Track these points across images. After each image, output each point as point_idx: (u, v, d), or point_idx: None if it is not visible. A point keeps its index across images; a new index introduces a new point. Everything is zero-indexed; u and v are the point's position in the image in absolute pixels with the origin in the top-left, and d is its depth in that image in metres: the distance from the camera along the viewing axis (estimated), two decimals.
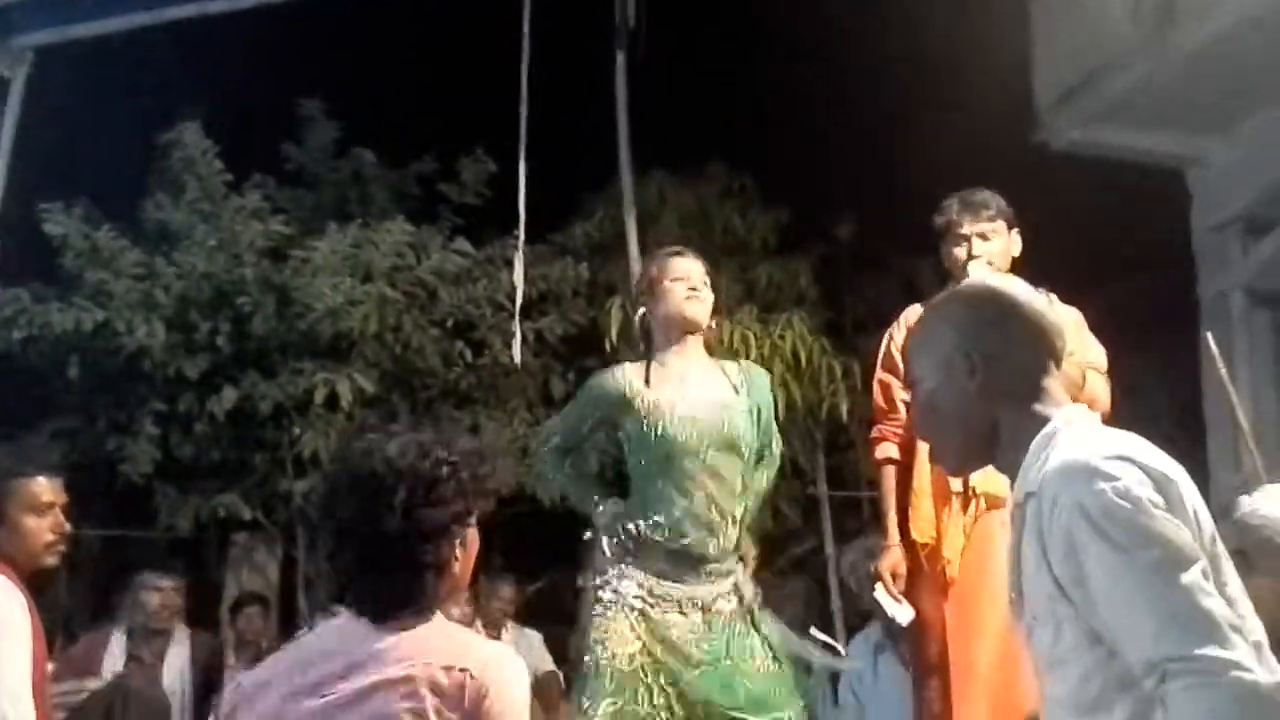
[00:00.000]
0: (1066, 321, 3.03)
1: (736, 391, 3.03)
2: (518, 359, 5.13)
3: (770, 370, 5.86)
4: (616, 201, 6.21)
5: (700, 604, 2.89)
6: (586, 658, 2.86)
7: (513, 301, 5.00)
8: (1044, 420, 1.61)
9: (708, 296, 3.06)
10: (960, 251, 3.09)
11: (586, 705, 2.79)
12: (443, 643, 1.73)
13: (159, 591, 4.64)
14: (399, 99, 7.14)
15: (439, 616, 1.77)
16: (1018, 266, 3.15)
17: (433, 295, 6.33)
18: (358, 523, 1.73)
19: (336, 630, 1.77)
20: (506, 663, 1.74)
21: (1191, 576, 1.44)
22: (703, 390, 3.00)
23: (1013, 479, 1.64)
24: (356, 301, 5.98)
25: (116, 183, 6.39)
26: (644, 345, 3.10)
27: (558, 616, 5.36)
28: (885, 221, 6.92)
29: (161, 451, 6.03)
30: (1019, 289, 1.78)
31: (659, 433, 2.93)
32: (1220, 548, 1.54)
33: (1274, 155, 4.60)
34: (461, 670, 1.68)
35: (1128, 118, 4.88)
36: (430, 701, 1.66)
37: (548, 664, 5.44)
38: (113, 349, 5.95)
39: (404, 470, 1.73)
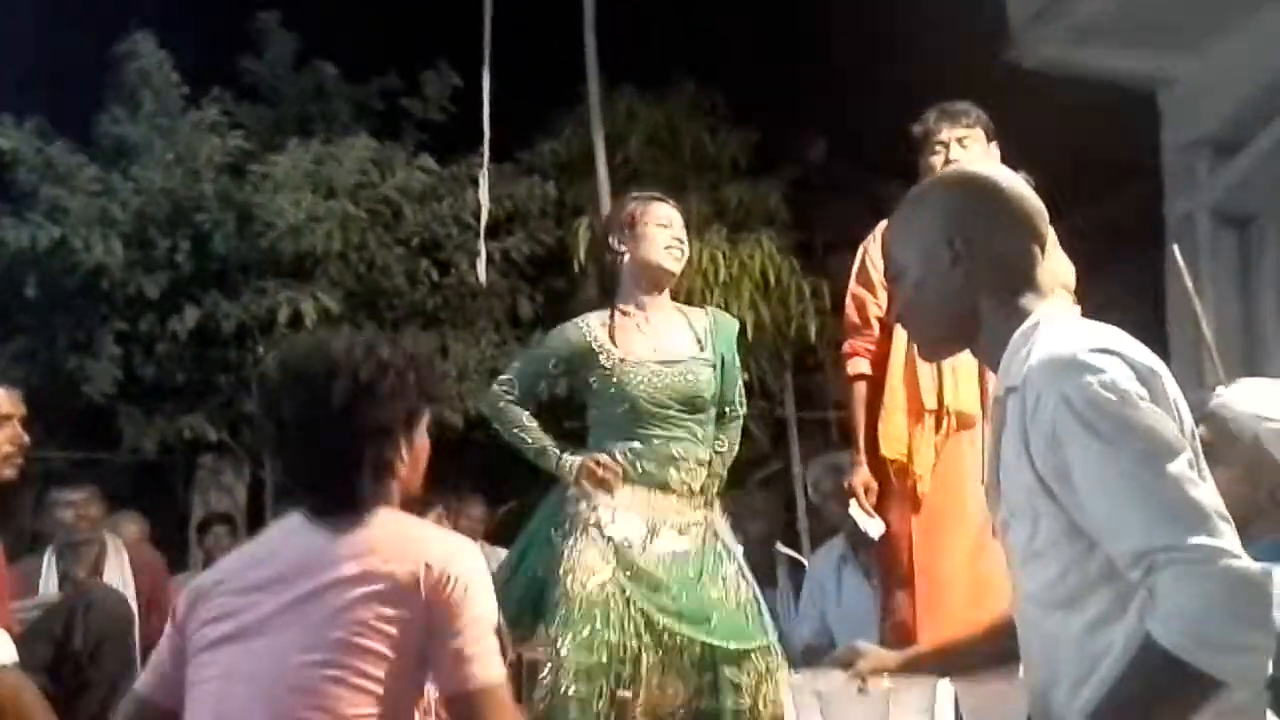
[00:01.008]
0: None
1: (701, 345, 3.03)
2: (483, 278, 5.14)
3: (738, 291, 5.98)
4: (584, 119, 6.20)
5: (671, 531, 2.92)
6: (556, 587, 2.86)
7: (478, 220, 5.01)
8: (1025, 313, 1.61)
9: (686, 250, 3.06)
10: (936, 160, 3.05)
11: (555, 634, 2.81)
12: (396, 537, 1.69)
13: (71, 506, 4.55)
14: (359, 10, 7.05)
15: (390, 513, 1.74)
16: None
17: (397, 213, 6.32)
18: (298, 420, 1.71)
19: (288, 530, 1.75)
20: (465, 553, 1.69)
21: (1178, 467, 1.45)
22: (667, 343, 3.00)
23: (992, 368, 1.65)
24: (319, 218, 5.96)
25: (70, 97, 6.31)
26: (608, 289, 3.06)
27: None
28: (856, 143, 6.94)
29: (124, 372, 6.06)
30: (1003, 173, 1.76)
31: (622, 388, 2.93)
32: (1199, 444, 1.56)
33: (1244, 76, 4.65)
34: (415, 563, 1.64)
35: (1100, 37, 4.90)
36: (387, 596, 1.62)
37: None
38: (70, 267, 5.93)
39: (346, 367, 1.71)
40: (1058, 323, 1.60)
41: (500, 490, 6.01)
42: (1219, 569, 1.38)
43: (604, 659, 2.79)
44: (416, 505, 1.85)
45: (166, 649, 1.75)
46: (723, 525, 3.02)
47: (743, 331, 6.18)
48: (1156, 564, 1.40)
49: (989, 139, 3.12)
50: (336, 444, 1.70)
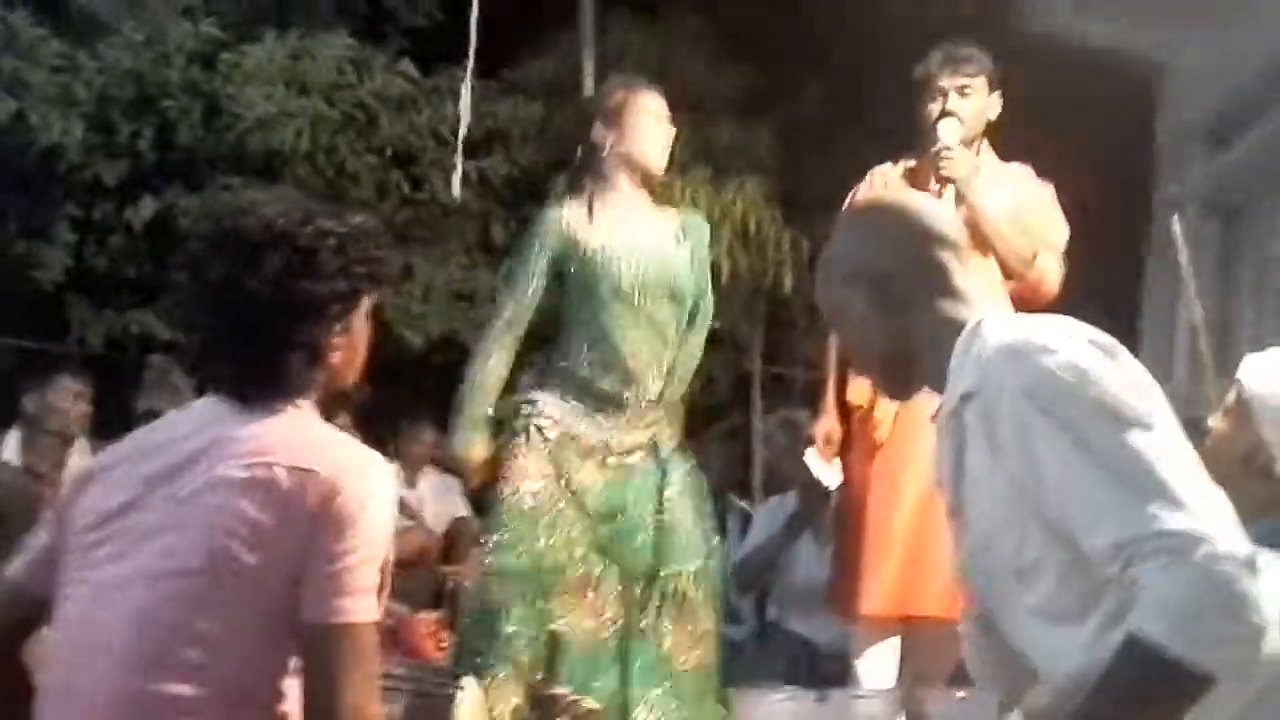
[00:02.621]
0: (1033, 202, 3.07)
1: (678, 240, 3.06)
2: (456, 193, 5.10)
3: (717, 235, 5.97)
4: (574, 41, 6.17)
5: (612, 451, 2.96)
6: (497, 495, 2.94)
7: (456, 135, 4.98)
8: (960, 323, 1.57)
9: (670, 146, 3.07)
10: (934, 107, 3.03)
11: (486, 541, 2.91)
12: (297, 440, 1.56)
13: (81, 399, 4.51)
14: None
15: (300, 415, 1.61)
16: (993, 131, 3.15)
17: (372, 120, 6.28)
18: (222, 287, 1.58)
19: (191, 415, 1.63)
20: (368, 468, 1.55)
21: (1150, 443, 1.40)
22: (646, 236, 3.01)
23: (940, 390, 1.59)
24: (289, 114, 5.92)
25: None
26: (588, 175, 3.03)
27: None
28: (853, 98, 6.93)
29: (75, 260, 6.03)
30: (884, 197, 1.81)
31: (597, 275, 2.94)
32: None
33: (1244, 64, 4.72)
34: (307, 470, 1.50)
35: (1103, 11, 4.97)
36: (271, 505, 1.49)
37: (461, 510, 5.63)
38: (26, 143, 5.85)
39: (281, 233, 1.59)
40: (1001, 319, 1.58)
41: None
42: (1200, 557, 1.33)
43: (532, 567, 2.85)
44: (347, 403, 1.73)
45: (45, 536, 1.66)
46: (668, 439, 3.04)
47: (716, 278, 6.23)
48: (1135, 556, 1.36)
49: (991, 88, 3.08)
50: (263, 315, 1.57)
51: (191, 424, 1.61)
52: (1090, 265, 3.31)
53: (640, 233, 3.00)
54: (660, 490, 2.98)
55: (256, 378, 1.59)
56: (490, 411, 3.00)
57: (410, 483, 5.50)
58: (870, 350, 1.67)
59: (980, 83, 3.06)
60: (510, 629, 2.85)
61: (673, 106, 3.15)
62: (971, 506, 1.57)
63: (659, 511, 2.97)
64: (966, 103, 3.03)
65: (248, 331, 1.58)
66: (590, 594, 2.91)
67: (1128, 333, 5.06)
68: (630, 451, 2.98)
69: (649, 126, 2.99)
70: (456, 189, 5.10)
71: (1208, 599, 1.33)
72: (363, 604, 1.49)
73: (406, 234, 6.45)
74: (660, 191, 3.22)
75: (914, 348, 1.62)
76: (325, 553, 1.48)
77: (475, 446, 2.97)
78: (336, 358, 1.63)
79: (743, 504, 4.98)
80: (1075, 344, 1.46)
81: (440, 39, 6.28)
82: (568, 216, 3.00)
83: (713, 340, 6.87)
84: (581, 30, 5.79)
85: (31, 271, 5.91)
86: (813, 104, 7.48)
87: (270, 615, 1.49)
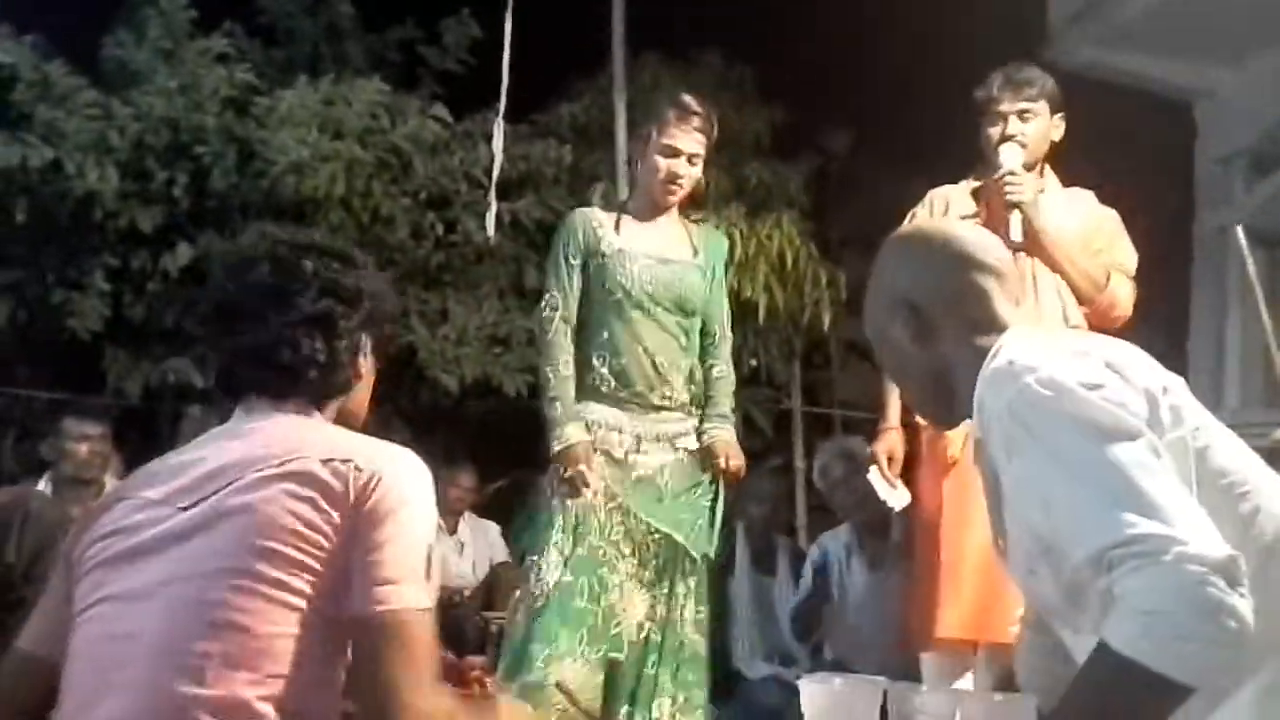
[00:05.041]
0: (1100, 226, 3.09)
1: (695, 252, 3.31)
2: (491, 232, 5.24)
3: (754, 271, 6.12)
4: (604, 85, 6.32)
5: (652, 444, 3.21)
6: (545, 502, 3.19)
7: (489, 177, 5.13)
8: (987, 350, 1.61)
9: (690, 177, 3.26)
10: (995, 131, 3.06)
11: (543, 542, 3.14)
12: (328, 436, 1.58)
13: (87, 440, 4.51)
14: None
15: (324, 418, 1.65)
16: (1055, 152, 3.15)
17: (406, 164, 6.42)
18: (243, 298, 1.64)
19: (214, 434, 1.65)
20: (405, 462, 1.55)
21: (1128, 454, 1.41)
22: (665, 246, 3.27)
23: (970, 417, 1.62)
24: (324, 159, 6.05)
25: (74, 16, 6.40)
26: (628, 187, 3.40)
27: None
28: (883, 138, 7.05)
29: (112, 310, 6.15)
30: (930, 224, 1.86)
31: (615, 280, 3.19)
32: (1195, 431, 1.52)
33: None
34: (345, 461, 1.50)
35: (1140, 42, 5.06)
36: (309, 498, 1.48)
37: (503, 555, 5.71)
38: (62, 192, 6.01)
39: (306, 265, 1.66)
40: (1016, 342, 1.60)
41: (491, 462, 6.14)
42: (1171, 558, 1.32)
43: (586, 564, 3.11)
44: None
45: (52, 588, 1.62)
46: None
47: (754, 314, 6.34)
48: (1110, 563, 1.36)
49: (1053, 111, 3.09)
50: (280, 327, 1.61)
51: (216, 441, 1.62)
52: (1136, 294, 3.39)
53: (659, 241, 3.26)
54: (697, 479, 3.25)
55: (275, 391, 1.62)
56: (568, 395, 3.20)
57: (450, 529, 5.58)
58: (912, 378, 1.74)
59: (1042, 105, 3.07)
60: (549, 650, 3.06)
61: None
62: (1011, 529, 1.60)
63: (693, 498, 3.24)
64: (1029, 126, 3.05)
65: (260, 345, 1.62)
66: (632, 580, 3.16)
67: (1175, 360, 5.11)
68: (678, 438, 3.22)
69: (663, 163, 3.22)
70: (491, 228, 5.23)
71: (1176, 602, 1.31)
72: (411, 591, 1.46)
73: (440, 278, 6.59)
74: (696, 223, 3.42)
75: (954, 375, 1.65)
76: (368, 543, 1.47)
77: (576, 440, 3.15)
78: (356, 385, 1.70)
79: (791, 542, 5.03)
80: (1057, 361, 1.50)
81: (472, 83, 6.46)
82: (595, 218, 3.27)
83: (751, 380, 6.99)
84: (613, 72, 5.94)
85: (68, 321, 6.04)
86: (842, 143, 7.61)
87: (319, 615, 1.46)
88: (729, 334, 3.42)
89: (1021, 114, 3.05)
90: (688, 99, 3.27)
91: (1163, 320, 5.55)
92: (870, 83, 6.72)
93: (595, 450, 3.15)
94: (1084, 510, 1.40)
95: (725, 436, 3.27)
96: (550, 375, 3.19)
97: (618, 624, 3.14)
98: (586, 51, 6.60)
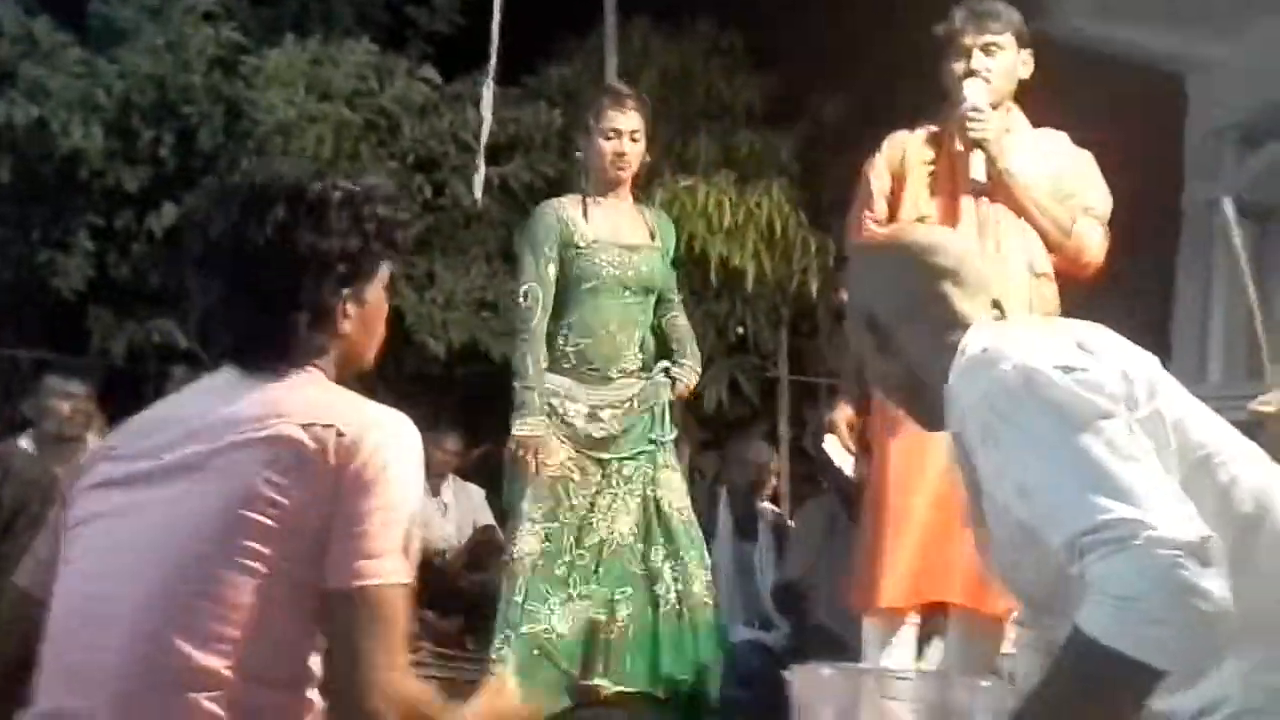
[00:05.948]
0: (1072, 168, 2.97)
1: (653, 236, 3.58)
2: (479, 196, 5.24)
3: (743, 239, 6.14)
4: (596, 49, 6.32)
5: (614, 405, 3.47)
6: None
7: (478, 140, 5.12)
8: (956, 346, 1.62)
9: (634, 153, 3.48)
10: (959, 66, 2.93)
11: (522, 506, 3.38)
12: (313, 399, 1.51)
13: (70, 398, 4.53)
14: None
15: (314, 375, 1.57)
16: (1024, 91, 3.03)
17: (394, 127, 6.42)
18: (225, 241, 1.54)
19: (197, 389, 1.60)
20: (391, 424, 1.50)
21: (1098, 439, 1.42)
22: (629, 232, 3.54)
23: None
24: (311, 119, 6.05)
25: None
26: (584, 175, 3.59)
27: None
28: (876, 103, 7.04)
29: (96, 270, 6.16)
30: (889, 236, 1.90)
31: (590, 271, 3.45)
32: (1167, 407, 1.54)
33: (1274, 65, 4.82)
34: (326, 426, 1.45)
35: (1132, 13, 5.08)
36: (289, 465, 1.44)
37: (487, 518, 5.77)
38: (47, 151, 6.01)
39: (288, 186, 1.56)
40: (980, 333, 1.63)
41: (478, 427, 6.18)
42: (1141, 542, 1.33)
43: (558, 530, 3.37)
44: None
45: (47, 529, 1.63)
46: (663, 400, 3.55)
47: (742, 282, 6.38)
48: (1082, 549, 1.37)
49: (1021, 45, 2.97)
50: (265, 270, 1.53)
51: (199, 396, 1.58)
52: (1120, 267, 3.41)
53: (623, 228, 3.53)
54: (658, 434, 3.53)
55: (262, 339, 1.55)
56: (536, 386, 3.43)
57: (434, 491, 5.64)
58: (890, 388, 1.80)
59: (1008, 39, 2.94)
60: (532, 605, 3.28)
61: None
62: (991, 523, 1.61)
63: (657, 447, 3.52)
64: (994, 61, 2.93)
65: (250, 289, 1.54)
66: (609, 509, 3.43)
67: (1159, 334, 5.17)
68: (627, 406, 3.47)
69: (604, 144, 3.46)
70: (479, 191, 5.23)
71: (1147, 587, 1.32)
72: (390, 565, 1.44)
73: (428, 241, 6.60)
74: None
75: (929, 380, 1.66)
76: (349, 513, 1.44)
77: (538, 432, 3.39)
78: (348, 327, 1.58)
79: (773, 508, 5.10)
80: (1025, 347, 1.52)
81: (462, 45, 6.43)
82: (566, 211, 3.49)
83: (738, 347, 7.03)
84: (604, 36, 5.93)
85: (52, 281, 6.05)
86: (835, 111, 7.60)
87: (295, 586, 1.45)
88: (678, 298, 3.74)
89: (986, 48, 2.92)
90: (619, 85, 3.69)
91: (1148, 292, 5.61)
92: (864, 51, 6.71)
93: (551, 430, 3.41)
94: (1058, 496, 1.41)
95: (688, 379, 3.63)
96: (529, 366, 3.42)
97: (597, 583, 3.36)
98: (577, 15, 6.59)
